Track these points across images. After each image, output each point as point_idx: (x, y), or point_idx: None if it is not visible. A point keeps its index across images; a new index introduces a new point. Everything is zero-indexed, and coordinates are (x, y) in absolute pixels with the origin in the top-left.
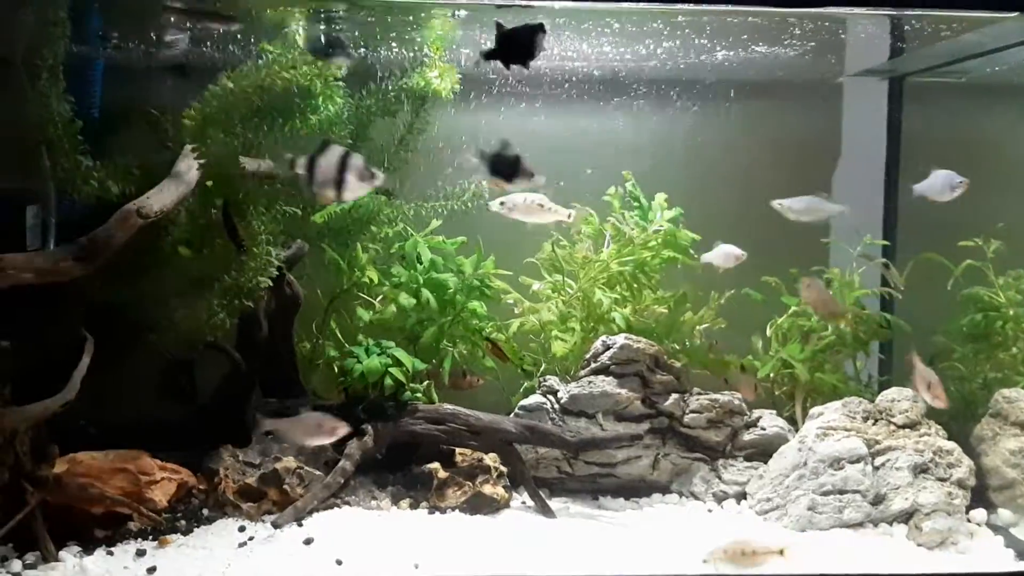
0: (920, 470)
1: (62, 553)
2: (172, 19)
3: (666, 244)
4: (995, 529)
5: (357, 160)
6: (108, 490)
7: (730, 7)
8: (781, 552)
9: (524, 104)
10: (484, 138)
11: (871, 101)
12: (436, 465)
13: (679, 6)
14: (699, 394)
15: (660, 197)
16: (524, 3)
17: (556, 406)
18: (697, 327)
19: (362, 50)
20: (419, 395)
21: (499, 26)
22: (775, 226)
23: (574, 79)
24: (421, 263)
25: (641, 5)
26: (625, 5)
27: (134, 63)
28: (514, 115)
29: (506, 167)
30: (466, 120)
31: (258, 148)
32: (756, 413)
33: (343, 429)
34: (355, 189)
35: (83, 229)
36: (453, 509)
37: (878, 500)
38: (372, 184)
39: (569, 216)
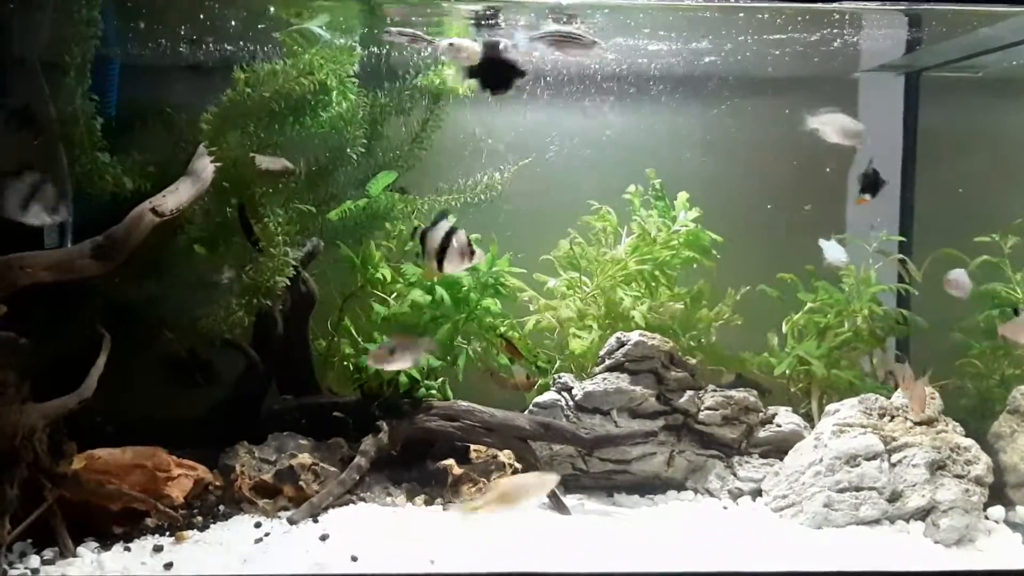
0: (937, 467)
1: (80, 549)
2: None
3: (687, 244)
4: (1013, 527)
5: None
6: (125, 486)
7: (749, 3)
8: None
9: (536, 101)
10: (498, 135)
11: (887, 96)
12: (451, 462)
13: (695, 2)
14: (714, 391)
15: (682, 196)
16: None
17: (571, 403)
18: (714, 324)
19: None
20: (434, 392)
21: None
22: (790, 222)
23: (589, 76)
24: None
25: (661, 1)
26: (640, 1)
27: None
28: (527, 112)
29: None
30: (483, 117)
31: (273, 146)
32: (772, 410)
33: None
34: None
35: (101, 227)
36: None
37: (895, 497)
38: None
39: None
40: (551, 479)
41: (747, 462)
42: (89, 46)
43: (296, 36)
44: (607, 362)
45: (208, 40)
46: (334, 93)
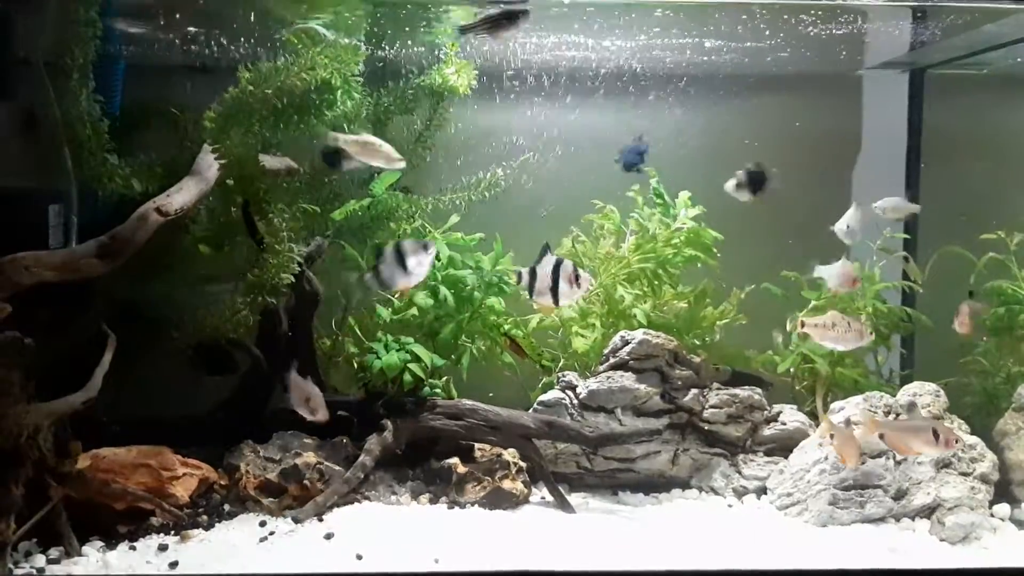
0: (943, 465)
1: (85, 548)
2: None
3: (689, 242)
4: (1019, 524)
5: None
6: (130, 486)
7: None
8: None
9: (538, 100)
10: (500, 134)
11: (891, 94)
12: (455, 460)
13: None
14: (718, 389)
15: (684, 195)
16: None
17: (575, 401)
18: (718, 322)
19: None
20: (438, 391)
21: None
22: (794, 220)
23: (591, 74)
24: (439, 260)
25: None
26: None
27: None
28: (529, 111)
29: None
30: (484, 116)
31: (277, 145)
32: (776, 408)
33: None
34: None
35: (106, 227)
36: (472, 504)
37: (900, 495)
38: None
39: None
40: None
41: (752, 460)
42: (90, 47)
43: (301, 35)
44: (611, 360)
45: (214, 40)
46: (339, 92)
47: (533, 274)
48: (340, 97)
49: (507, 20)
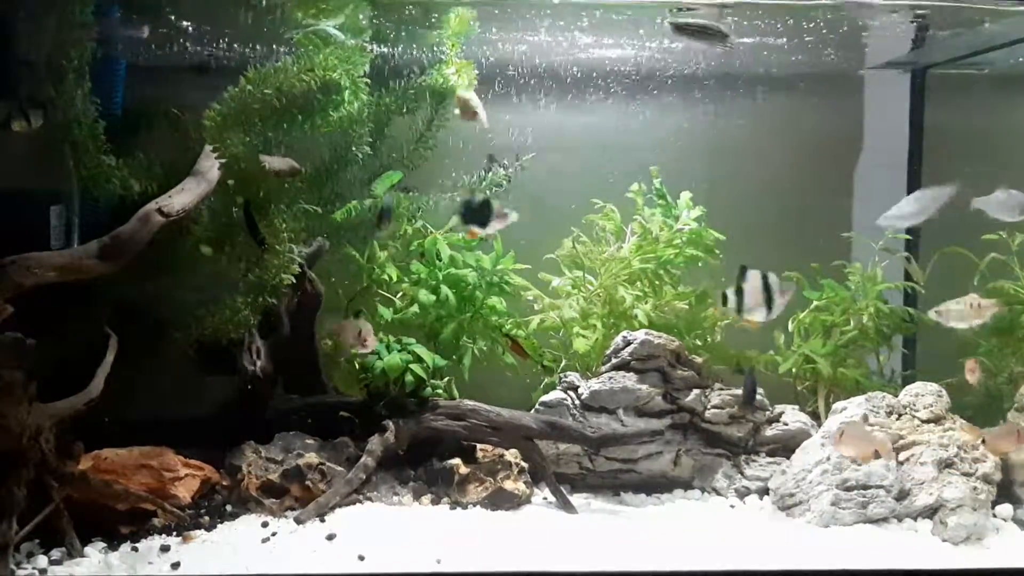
0: (945, 465)
1: (87, 549)
2: None
3: (691, 243)
4: (1021, 524)
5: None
6: (132, 486)
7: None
8: None
9: (539, 100)
10: (502, 134)
11: (893, 94)
12: (457, 461)
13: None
14: (720, 389)
15: (685, 196)
16: None
17: (577, 402)
18: (719, 323)
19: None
20: (440, 391)
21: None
22: (795, 221)
23: (592, 74)
24: (440, 259)
25: None
26: None
27: None
28: (530, 111)
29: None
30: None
31: (279, 146)
32: (778, 408)
33: None
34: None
35: (107, 228)
36: (474, 505)
37: (902, 495)
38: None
39: None
40: None
41: (754, 461)
42: (86, 48)
43: (312, 37)
44: (613, 361)
45: (221, 42)
46: (346, 93)
47: (740, 293)
48: (348, 98)
49: (716, 37)
